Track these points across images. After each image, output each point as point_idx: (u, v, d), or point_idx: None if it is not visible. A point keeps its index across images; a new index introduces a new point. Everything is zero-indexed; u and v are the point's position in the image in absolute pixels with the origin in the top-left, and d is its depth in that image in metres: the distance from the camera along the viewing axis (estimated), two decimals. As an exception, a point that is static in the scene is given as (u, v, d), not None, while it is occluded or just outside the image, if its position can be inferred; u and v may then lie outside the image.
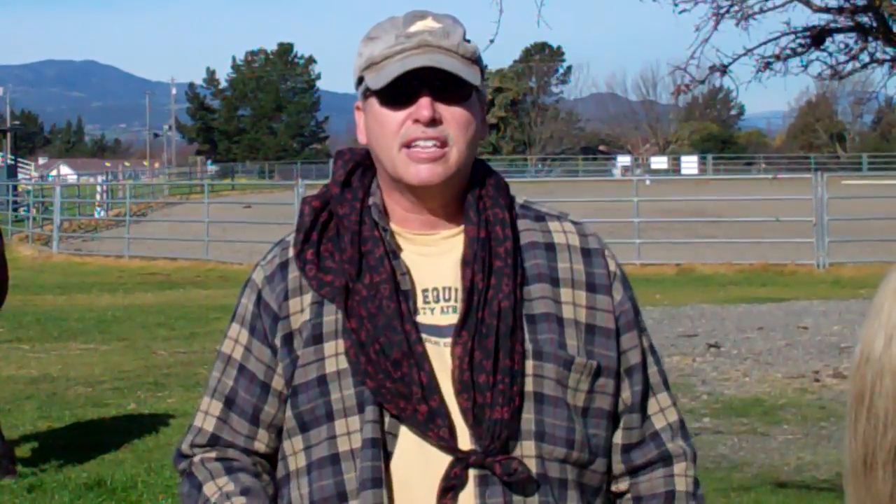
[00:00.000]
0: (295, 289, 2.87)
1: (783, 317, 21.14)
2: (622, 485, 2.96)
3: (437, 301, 2.86)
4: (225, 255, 34.42)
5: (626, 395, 2.92)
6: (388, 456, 2.76)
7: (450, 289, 2.86)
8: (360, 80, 2.88)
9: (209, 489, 2.87)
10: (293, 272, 2.88)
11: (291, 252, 2.91)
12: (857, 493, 5.72)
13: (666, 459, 2.97)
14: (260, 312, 2.90)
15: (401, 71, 2.74)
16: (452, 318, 2.81)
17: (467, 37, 2.86)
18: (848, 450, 5.69)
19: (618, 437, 2.93)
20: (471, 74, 2.79)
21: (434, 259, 2.89)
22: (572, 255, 2.92)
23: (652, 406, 2.97)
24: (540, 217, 2.96)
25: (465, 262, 2.82)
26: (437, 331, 2.83)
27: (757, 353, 17.48)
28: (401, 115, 2.78)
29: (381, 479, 2.76)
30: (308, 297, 2.85)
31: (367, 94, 2.86)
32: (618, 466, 2.94)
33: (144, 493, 10.22)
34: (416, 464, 2.77)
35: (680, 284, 25.46)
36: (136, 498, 10.13)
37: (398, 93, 2.78)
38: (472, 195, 2.88)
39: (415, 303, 2.83)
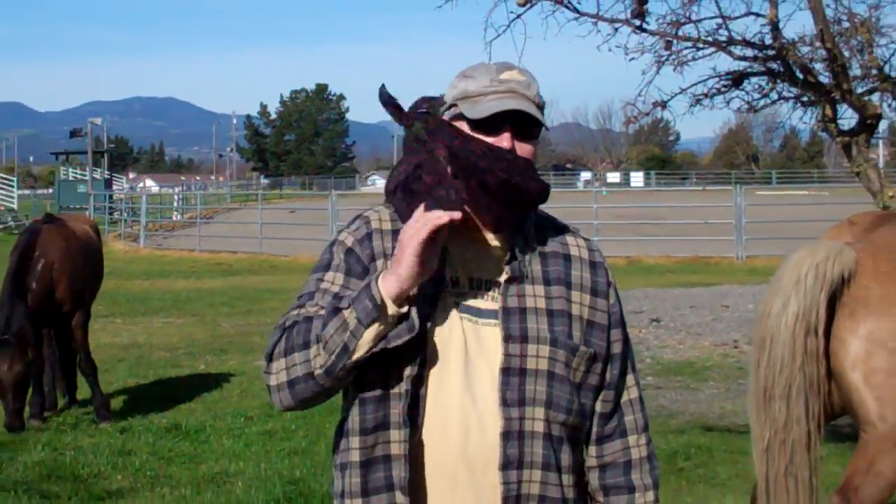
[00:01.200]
0: (379, 253, 2.86)
1: (710, 298, 21.13)
2: (591, 461, 3.04)
3: (480, 288, 2.88)
4: (274, 249, 34.35)
5: (608, 375, 3.00)
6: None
7: (491, 281, 2.88)
8: (451, 106, 2.88)
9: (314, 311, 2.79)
10: (375, 241, 2.87)
11: (374, 226, 2.90)
12: (758, 419, 5.74)
13: (623, 433, 3.04)
14: (353, 262, 2.86)
15: (499, 109, 2.78)
16: (494, 305, 2.86)
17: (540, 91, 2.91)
18: (751, 386, 5.72)
19: (598, 406, 3.00)
20: (542, 121, 2.86)
21: (484, 255, 2.90)
22: (583, 266, 2.98)
23: (623, 384, 3.05)
24: (559, 230, 3.02)
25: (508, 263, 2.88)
26: (476, 312, 2.86)
27: (689, 326, 17.50)
28: (487, 141, 2.81)
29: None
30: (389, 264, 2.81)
31: (459, 118, 2.86)
32: (595, 430, 3.01)
33: (212, 435, 10.23)
34: (452, 407, 2.81)
35: (629, 273, 25.43)
36: (204, 438, 10.13)
37: (489, 124, 2.81)
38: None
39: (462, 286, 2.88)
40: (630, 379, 3.05)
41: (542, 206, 3.02)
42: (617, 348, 3.00)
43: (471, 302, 2.85)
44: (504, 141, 2.79)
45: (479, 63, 2.93)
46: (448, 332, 2.82)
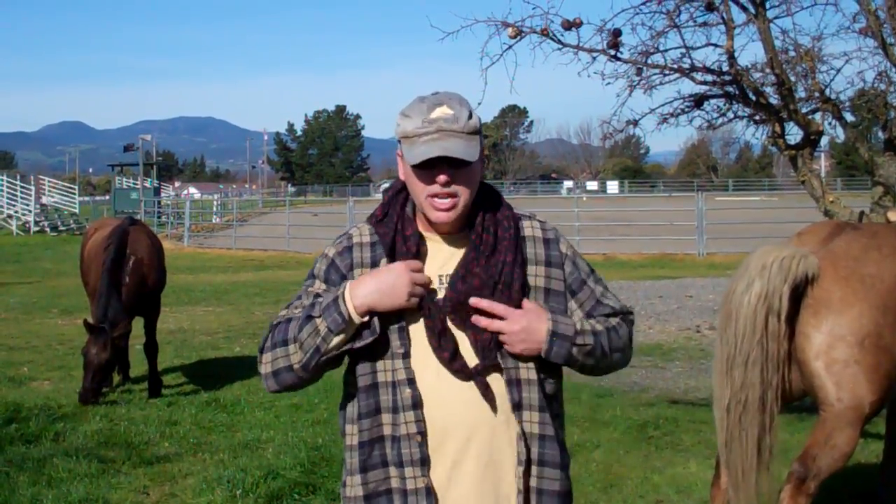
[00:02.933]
0: (357, 263, 2.96)
1: (675, 289, 21.11)
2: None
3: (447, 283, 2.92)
4: (300, 247, 34.35)
5: (583, 305, 3.04)
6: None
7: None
8: (399, 141, 2.92)
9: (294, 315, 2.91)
10: (355, 253, 2.97)
11: (355, 240, 3.00)
12: (720, 382, 5.80)
13: (610, 311, 3.08)
14: (332, 272, 2.97)
15: (426, 157, 2.80)
16: None
17: (473, 113, 2.90)
18: (717, 354, 5.78)
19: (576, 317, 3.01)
20: (471, 149, 2.84)
21: (448, 252, 2.95)
22: (536, 243, 3.00)
23: (601, 297, 3.09)
24: (517, 218, 3.03)
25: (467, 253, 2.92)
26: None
27: (658, 313, 17.47)
28: (426, 175, 2.86)
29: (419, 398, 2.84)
30: (367, 271, 2.92)
31: (402, 157, 2.92)
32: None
33: (246, 408, 10.23)
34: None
35: (606, 267, 25.40)
36: (239, 410, 10.13)
37: (425, 166, 2.85)
38: (479, 211, 2.96)
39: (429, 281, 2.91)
40: (598, 289, 3.08)
41: (526, 210, 3.07)
42: (589, 299, 3.04)
43: (441, 295, 2.91)
44: (440, 177, 2.84)
45: (416, 100, 2.93)
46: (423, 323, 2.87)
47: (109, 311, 10.37)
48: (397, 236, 2.91)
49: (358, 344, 2.82)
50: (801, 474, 5.10)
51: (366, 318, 2.80)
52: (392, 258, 2.89)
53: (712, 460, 7.80)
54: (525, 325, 2.83)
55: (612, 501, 7.11)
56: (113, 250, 10.68)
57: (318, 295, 2.92)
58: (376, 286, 2.79)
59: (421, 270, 2.85)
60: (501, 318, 2.83)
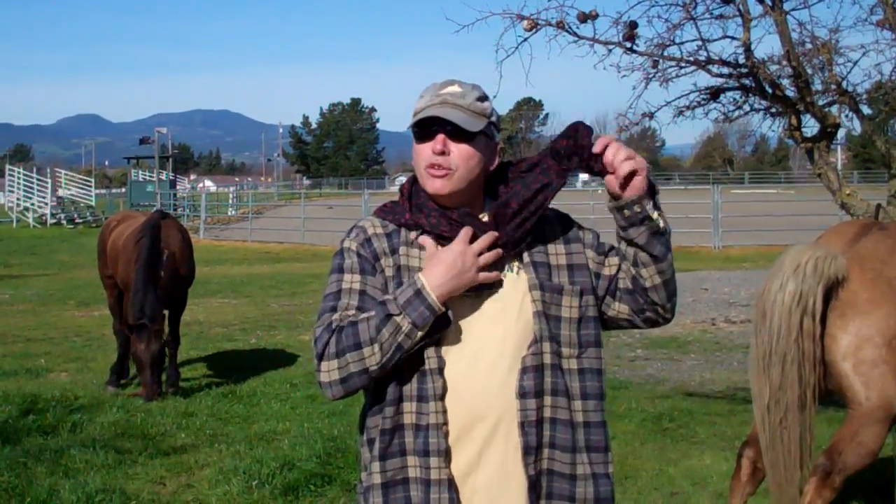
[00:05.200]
0: (380, 253, 2.92)
1: (691, 282, 21.06)
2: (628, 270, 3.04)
3: None
4: (315, 239, 34.42)
5: (612, 265, 3.03)
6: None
7: None
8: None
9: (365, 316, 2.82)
10: (375, 243, 2.93)
11: (370, 232, 2.95)
12: (758, 381, 5.81)
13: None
14: (363, 262, 2.91)
15: (423, 116, 2.85)
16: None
17: (487, 101, 2.91)
18: (752, 352, 5.79)
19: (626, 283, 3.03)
20: (471, 123, 2.84)
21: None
22: (554, 224, 3.03)
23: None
24: None
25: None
26: (476, 287, 2.87)
27: (673, 306, 17.44)
28: (426, 146, 2.87)
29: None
30: (389, 260, 2.91)
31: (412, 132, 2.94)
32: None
33: (262, 399, 10.26)
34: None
35: (621, 260, 25.39)
36: (255, 402, 10.17)
37: (425, 133, 2.87)
38: (489, 195, 2.96)
39: None
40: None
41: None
42: (612, 263, 3.03)
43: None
44: (437, 143, 2.84)
45: (431, 84, 2.97)
46: (454, 310, 2.84)
47: (147, 307, 10.38)
48: (431, 218, 2.89)
49: (435, 335, 2.78)
50: (826, 468, 5.16)
51: (446, 309, 2.77)
52: (448, 238, 2.86)
53: (727, 452, 7.82)
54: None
55: (628, 493, 7.12)
56: (148, 245, 10.67)
57: (362, 292, 2.86)
58: (447, 271, 2.76)
59: (475, 238, 2.82)
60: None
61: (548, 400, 2.85)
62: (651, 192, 2.89)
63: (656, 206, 2.90)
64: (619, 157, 2.85)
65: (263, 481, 7.26)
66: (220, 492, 7.15)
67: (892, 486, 6.40)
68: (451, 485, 2.80)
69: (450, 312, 2.77)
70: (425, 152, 2.87)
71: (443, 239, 2.87)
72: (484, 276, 2.81)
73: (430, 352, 2.81)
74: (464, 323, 2.83)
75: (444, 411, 2.81)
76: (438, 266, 2.78)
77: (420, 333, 2.74)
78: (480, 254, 2.82)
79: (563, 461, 2.86)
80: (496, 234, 2.84)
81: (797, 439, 5.20)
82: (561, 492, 2.86)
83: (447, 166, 2.85)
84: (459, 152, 2.86)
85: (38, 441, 8.44)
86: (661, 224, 2.92)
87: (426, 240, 2.88)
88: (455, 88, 2.89)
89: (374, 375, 2.78)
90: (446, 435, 2.81)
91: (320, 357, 2.80)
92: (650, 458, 8.01)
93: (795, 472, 5.21)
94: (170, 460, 8.01)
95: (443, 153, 2.84)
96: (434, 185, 2.87)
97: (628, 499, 6.99)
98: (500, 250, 2.84)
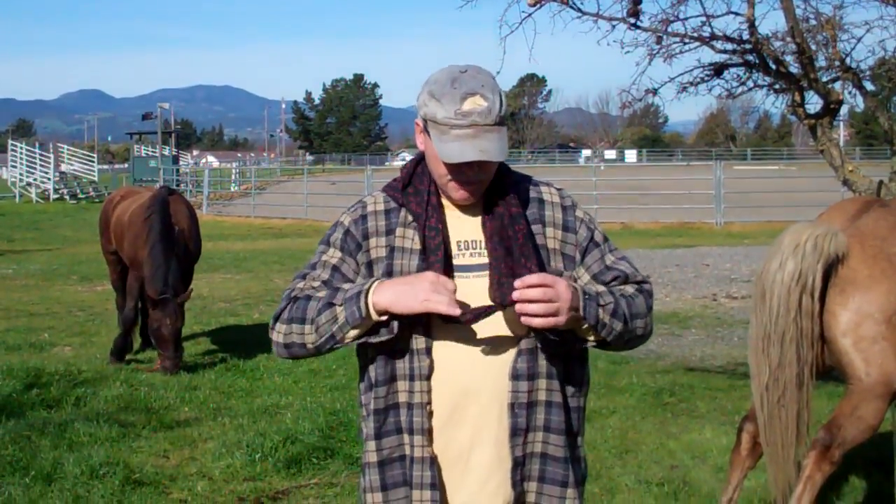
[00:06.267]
0: (372, 233, 2.93)
1: (692, 258, 21.10)
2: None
3: (468, 249, 2.90)
4: (318, 215, 34.41)
5: (589, 269, 2.97)
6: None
7: (476, 241, 2.91)
8: (424, 119, 2.84)
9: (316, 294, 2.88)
10: (370, 221, 2.94)
11: (369, 209, 2.97)
12: (757, 360, 5.83)
13: (622, 277, 2.98)
14: (349, 240, 2.94)
15: (463, 159, 2.75)
16: (480, 260, 2.87)
17: (501, 93, 2.83)
18: (751, 331, 5.82)
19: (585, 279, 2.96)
20: (503, 142, 2.77)
21: (464, 219, 2.92)
22: (555, 208, 2.98)
23: (611, 263, 3.00)
24: (535, 184, 3.02)
25: (485, 224, 2.89)
26: (466, 268, 2.88)
27: (674, 281, 17.48)
28: (454, 168, 2.81)
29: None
30: (382, 241, 2.92)
31: (427, 134, 2.84)
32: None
33: (265, 373, 10.30)
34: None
35: (623, 236, 25.41)
36: (258, 376, 10.20)
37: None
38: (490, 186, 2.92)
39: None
40: (609, 256, 3.00)
41: (544, 179, 3.06)
42: (596, 264, 2.97)
43: (460, 261, 2.88)
44: (472, 170, 2.80)
45: (446, 79, 2.80)
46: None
47: (170, 279, 10.41)
48: (429, 208, 2.88)
49: (373, 340, 2.80)
50: (826, 442, 5.19)
51: (383, 318, 2.75)
52: (424, 234, 2.85)
53: (727, 427, 7.85)
54: (569, 291, 2.74)
55: (628, 467, 7.15)
56: (159, 221, 10.67)
57: (335, 267, 2.91)
58: (396, 287, 2.74)
59: (453, 290, 2.73)
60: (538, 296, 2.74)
61: (542, 383, 2.87)
62: (586, 299, 2.79)
63: (597, 304, 2.81)
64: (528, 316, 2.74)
65: (266, 454, 7.29)
66: (224, 465, 7.18)
67: (891, 461, 6.42)
68: (434, 463, 2.83)
69: (394, 324, 2.76)
70: (452, 172, 2.82)
71: (430, 230, 2.86)
72: (423, 306, 2.70)
73: (419, 332, 2.82)
74: (460, 302, 2.81)
75: (429, 391, 2.83)
76: (396, 282, 2.77)
77: (351, 331, 2.78)
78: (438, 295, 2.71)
79: (557, 444, 2.89)
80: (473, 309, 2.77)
81: (795, 416, 5.23)
82: (554, 476, 2.89)
83: (475, 180, 2.84)
84: (487, 169, 2.85)
85: (41, 415, 8.47)
86: (609, 319, 2.82)
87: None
88: (479, 103, 2.75)
89: (312, 352, 2.88)
90: (430, 414, 2.83)
91: (275, 318, 2.92)
92: (651, 432, 8.04)
93: (793, 448, 5.25)
94: (173, 434, 8.04)
95: (475, 175, 2.84)
96: (461, 198, 2.87)
97: (628, 472, 7.02)
98: (455, 313, 2.71)
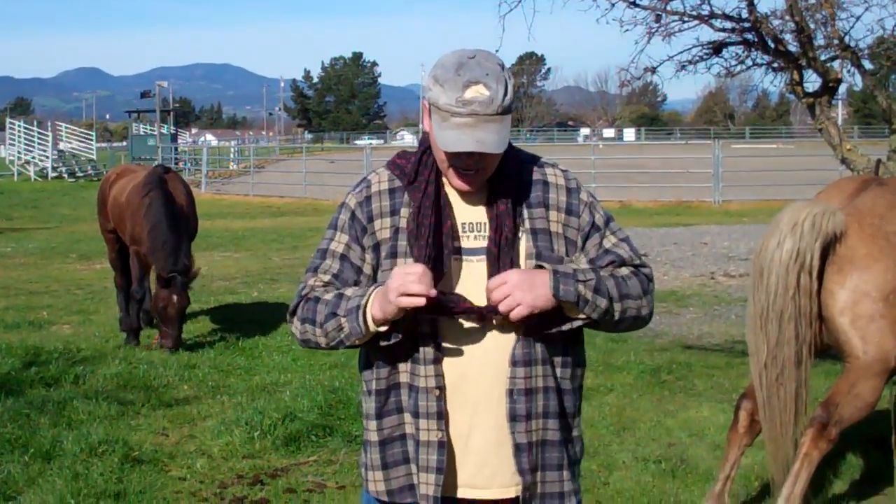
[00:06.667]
0: (377, 215, 2.92)
1: (690, 236, 21.11)
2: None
3: (472, 231, 2.89)
4: (316, 193, 34.38)
5: (587, 253, 2.95)
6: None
7: (480, 223, 2.89)
8: (428, 101, 2.82)
9: (327, 295, 2.90)
10: (374, 202, 2.93)
11: (374, 189, 2.95)
12: (755, 338, 5.85)
13: (618, 261, 2.96)
14: (355, 225, 2.93)
15: (457, 149, 2.74)
16: (484, 244, 2.86)
17: (509, 82, 2.78)
18: (750, 309, 5.84)
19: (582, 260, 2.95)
20: (504, 133, 2.76)
21: (465, 203, 2.91)
22: (559, 191, 2.96)
23: (611, 246, 2.97)
24: (541, 165, 2.99)
25: (490, 207, 2.88)
26: (470, 251, 2.88)
27: (673, 260, 17.48)
28: (453, 155, 2.80)
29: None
30: (387, 221, 2.90)
31: (430, 118, 2.82)
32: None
33: (264, 351, 10.31)
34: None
35: (622, 215, 25.38)
36: (257, 354, 10.21)
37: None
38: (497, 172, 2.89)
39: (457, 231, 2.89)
40: (611, 239, 2.97)
41: (545, 156, 3.04)
42: (593, 249, 2.95)
43: (464, 244, 2.87)
44: (471, 160, 2.78)
45: (452, 64, 2.76)
46: (447, 273, 2.84)
47: (180, 257, 10.41)
48: (425, 199, 2.86)
49: (382, 343, 2.82)
50: (823, 420, 5.21)
51: (382, 329, 2.77)
52: (419, 224, 2.84)
53: (725, 405, 7.87)
54: (526, 276, 2.76)
55: (625, 444, 7.17)
56: (161, 199, 10.64)
57: (343, 256, 2.91)
58: (378, 298, 2.76)
59: (418, 277, 2.68)
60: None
61: (540, 370, 2.87)
62: (556, 279, 2.78)
63: (576, 280, 2.79)
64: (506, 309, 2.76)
65: (265, 432, 7.30)
66: (223, 442, 7.20)
67: (888, 439, 6.44)
68: (441, 446, 2.84)
69: (396, 334, 2.79)
70: (452, 159, 2.81)
71: (425, 209, 2.85)
72: (407, 301, 2.68)
73: (423, 316, 2.81)
74: (460, 289, 2.83)
75: (436, 375, 2.83)
76: (379, 292, 2.77)
77: (358, 341, 2.84)
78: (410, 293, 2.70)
79: (554, 428, 2.90)
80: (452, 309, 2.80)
81: (793, 394, 5.26)
82: (551, 461, 2.91)
83: (477, 169, 2.82)
84: (489, 158, 2.81)
85: (41, 393, 8.48)
86: (591, 295, 2.80)
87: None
88: (481, 92, 2.71)
89: (328, 349, 2.94)
90: (438, 398, 2.83)
91: (292, 314, 2.98)
92: (648, 409, 8.06)
93: (791, 426, 5.27)
94: (172, 411, 8.06)
95: (475, 164, 2.81)
96: (461, 187, 2.86)
97: (626, 450, 7.04)
98: (419, 303, 2.69)
